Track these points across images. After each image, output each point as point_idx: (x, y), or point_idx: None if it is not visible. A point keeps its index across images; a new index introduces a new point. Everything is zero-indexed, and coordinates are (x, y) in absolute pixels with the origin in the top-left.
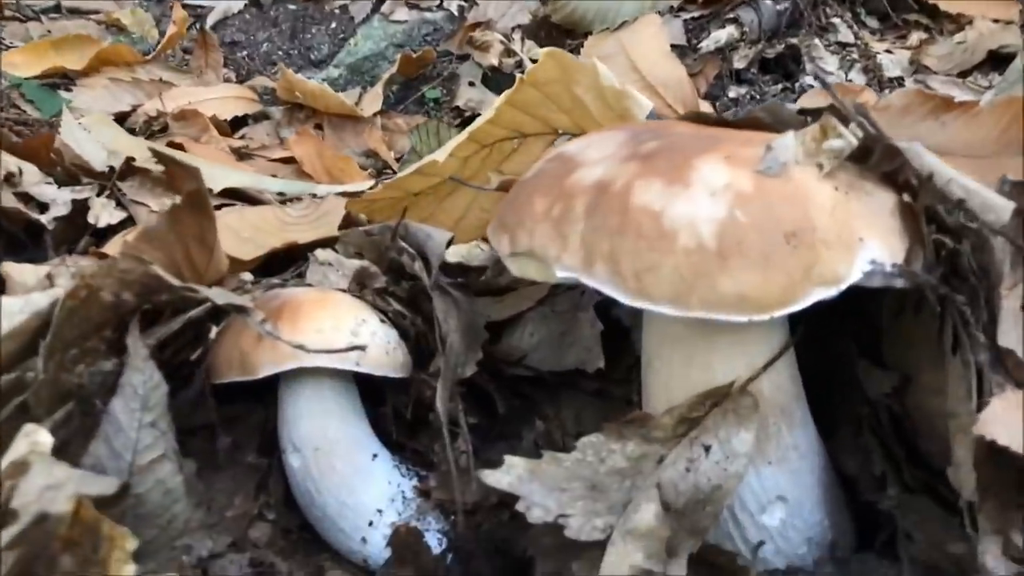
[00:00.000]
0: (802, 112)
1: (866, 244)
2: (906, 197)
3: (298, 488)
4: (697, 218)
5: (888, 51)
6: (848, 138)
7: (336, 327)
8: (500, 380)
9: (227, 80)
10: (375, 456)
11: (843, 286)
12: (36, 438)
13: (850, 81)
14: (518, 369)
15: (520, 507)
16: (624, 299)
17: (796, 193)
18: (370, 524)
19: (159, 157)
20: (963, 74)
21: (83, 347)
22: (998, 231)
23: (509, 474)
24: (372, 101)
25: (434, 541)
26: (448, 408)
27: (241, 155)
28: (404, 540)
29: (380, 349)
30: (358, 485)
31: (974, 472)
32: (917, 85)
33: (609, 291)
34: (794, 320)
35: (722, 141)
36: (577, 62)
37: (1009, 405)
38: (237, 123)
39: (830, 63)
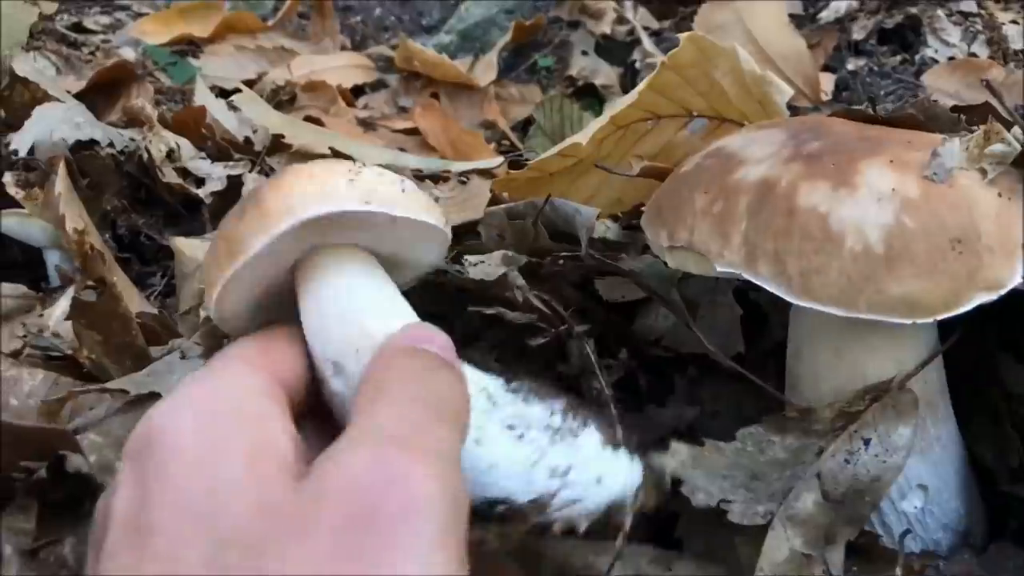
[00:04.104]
0: (955, 109)
1: None
2: None
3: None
4: (865, 222)
5: (1014, 21)
6: (1012, 143)
7: (330, 172)
8: (641, 359)
9: (343, 47)
10: None
11: (1003, 291)
12: None
13: (973, 54)
14: (657, 350)
15: (684, 491)
16: (789, 298)
17: (961, 200)
18: None
19: (285, 148)
20: None
21: None
22: None
23: (674, 459)
24: (486, 70)
25: None
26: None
27: (366, 125)
28: None
29: (392, 186)
30: None
31: None
32: None
33: (772, 289)
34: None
35: (884, 144)
36: (717, 46)
37: None
38: (356, 91)
39: (952, 34)
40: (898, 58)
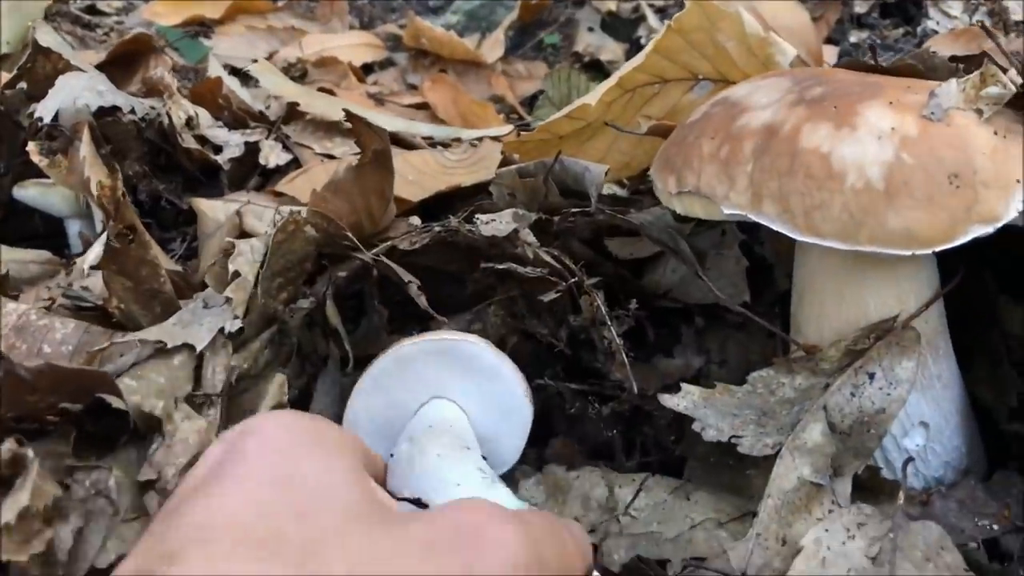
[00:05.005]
0: (953, 59)
1: (1022, 185)
2: None
3: None
4: (865, 160)
5: None
6: (1008, 85)
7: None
8: (649, 311)
9: (351, 27)
10: None
11: (999, 224)
12: (284, 388)
13: (974, 24)
14: (665, 301)
15: (695, 427)
16: (794, 234)
17: (958, 137)
18: None
19: (349, 117)
20: None
21: (287, 277)
22: None
23: (685, 399)
24: (493, 47)
25: None
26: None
27: (376, 101)
28: None
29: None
30: None
31: None
32: None
33: (778, 227)
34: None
35: (884, 87)
36: (722, 10)
37: None
38: (364, 70)
39: (954, 7)
40: (900, 31)
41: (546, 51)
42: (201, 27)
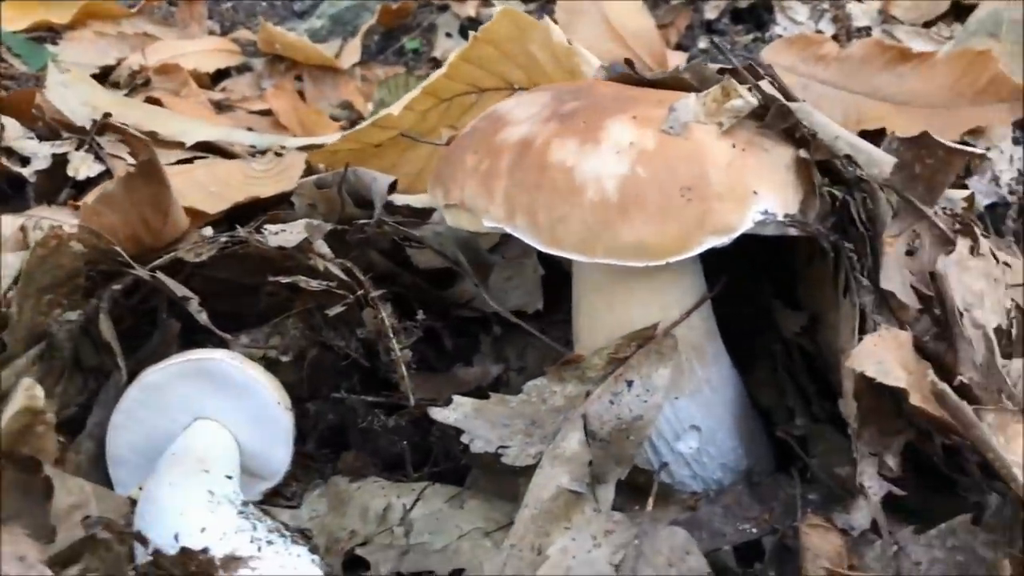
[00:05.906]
0: (722, 71)
1: (760, 196)
2: (803, 152)
3: None
4: (603, 174)
5: (858, 0)
6: (747, 99)
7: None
8: (447, 320)
9: (211, 32)
10: None
11: (735, 235)
12: (33, 392)
13: (820, 32)
14: (464, 311)
15: (464, 439)
16: (540, 247)
17: (694, 150)
18: None
19: (116, 129)
20: (927, 24)
21: (57, 293)
22: (885, 183)
23: (456, 411)
24: (351, 53)
25: None
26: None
27: (221, 107)
28: None
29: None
30: None
31: (854, 402)
32: (882, 35)
33: (528, 240)
34: (713, 265)
35: (636, 102)
36: (531, 21)
37: (880, 341)
38: (221, 75)
39: (800, 13)
40: (751, 36)
41: (407, 56)
42: (50, 32)
